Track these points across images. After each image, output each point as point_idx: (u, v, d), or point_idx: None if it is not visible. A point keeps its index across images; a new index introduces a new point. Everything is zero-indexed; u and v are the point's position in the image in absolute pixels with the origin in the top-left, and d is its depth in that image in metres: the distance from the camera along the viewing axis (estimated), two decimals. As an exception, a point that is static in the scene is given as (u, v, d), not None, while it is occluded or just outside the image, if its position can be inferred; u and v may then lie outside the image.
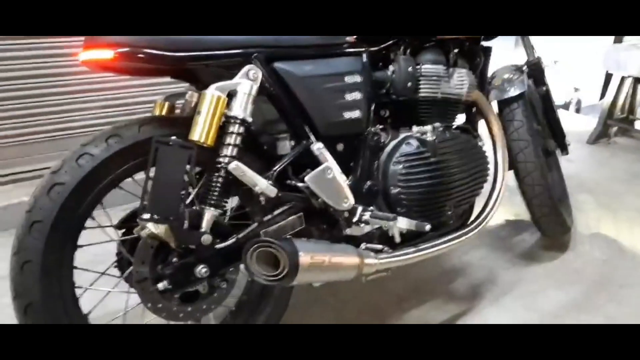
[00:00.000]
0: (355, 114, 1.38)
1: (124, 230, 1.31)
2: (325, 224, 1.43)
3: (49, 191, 1.08)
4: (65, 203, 1.08)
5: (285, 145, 1.34)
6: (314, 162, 1.32)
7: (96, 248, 1.28)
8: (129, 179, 1.20)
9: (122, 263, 1.31)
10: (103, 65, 1.13)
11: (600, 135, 3.69)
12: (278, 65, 1.27)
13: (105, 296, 1.26)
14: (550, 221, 2.06)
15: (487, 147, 1.79)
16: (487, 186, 1.78)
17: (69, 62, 2.38)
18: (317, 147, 1.31)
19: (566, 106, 4.67)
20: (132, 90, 2.62)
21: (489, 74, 1.92)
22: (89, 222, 1.17)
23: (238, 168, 1.17)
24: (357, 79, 1.38)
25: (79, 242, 1.16)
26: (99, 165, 1.11)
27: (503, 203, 2.52)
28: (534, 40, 2.04)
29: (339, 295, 1.83)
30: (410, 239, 1.54)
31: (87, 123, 2.53)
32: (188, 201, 1.26)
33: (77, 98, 2.47)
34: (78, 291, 1.19)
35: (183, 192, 1.11)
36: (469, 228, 1.66)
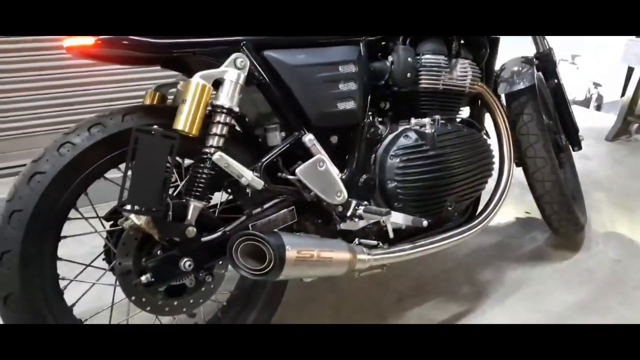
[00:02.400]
0: (350, 105, 1.34)
1: (111, 222, 1.29)
2: (319, 218, 1.39)
3: (30, 180, 1.06)
4: (45, 192, 1.06)
5: (276, 137, 1.30)
6: (306, 154, 1.28)
7: (95, 241, 1.26)
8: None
9: (109, 255, 1.29)
10: (86, 52, 1.10)
11: (620, 133, 3.57)
12: (268, 53, 1.23)
13: (90, 289, 1.24)
14: (561, 219, 1.99)
15: (493, 141, 1.73)
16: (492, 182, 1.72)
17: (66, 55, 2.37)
18: (309, 138, 1.27)
19: (586, 102, 4.54)
20: (142, 83, 2.61)
21: (498, 66, 1.87)
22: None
23: (222, 159, 1.13)
24: (352, 68, 1.33)
25: (64, 234, 1.14)
26: (80, 155, 1.09)
27: (514, 200, 2.48)
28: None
29: (337, 292, 1.79)
30: (410, 234, 1.49)
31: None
32: (175, 193, 1.24)
33: (81, 90, 2.46)
34: (63, 283, 1.18)
35: (166, 182, 1.08)
36: (471, 225, 1.60)
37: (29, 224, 1.05)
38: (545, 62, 1.95)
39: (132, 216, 1.09)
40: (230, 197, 1.38)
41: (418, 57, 1.46)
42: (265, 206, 1.29)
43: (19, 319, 1.07)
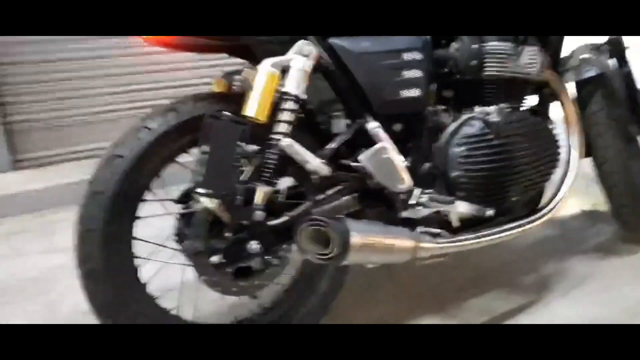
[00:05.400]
0: (414, 92, 1.33)
1: (183, 204, 1.34)
2: (381, 205, 1.40)
3: (110, 163, 1.12)
4: (124, 175, 1.12)
5: (340, 124, 1.32)
6: (370, 141, 1.29)
7: (162, 222, 1.33)
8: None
9: (180, 236, 1.34)
10: (163, 41, 1.15)
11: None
12: (334, 41, 1.25)
13: (161, 268, 1.30)
14: (631, 212, 1.91)
15: (561, 131, 1.69)
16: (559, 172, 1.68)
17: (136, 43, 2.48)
18: (373, 126, 1.28)
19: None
20: (202, 71, 2.69)
21: (566, 52, 1.81)
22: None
23: (290, 145, 1.16)
24: (417, 56, 1.33)
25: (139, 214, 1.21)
26: (156, 139, 1.14)
27: (579, 192, 2.40)
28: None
29: (396, 280, 1.79)
30: (473, 224, 1.48)
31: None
32: (243, 178, 1.28)
33: (147, 78, 2.57)
34: (137, 261, 1.24)
35: (236, 168, 1.12)
36: (536, 216, 1.57)
37: (111, 205, 1.12)
38: (615, 49, 1.87)
39: (204, 199, 1.14)
40: (294, 182, 1.41)
41: (483, 44, 1.44)
42: (329, 192, 1.31)
43: (102, 294, 1.14)
